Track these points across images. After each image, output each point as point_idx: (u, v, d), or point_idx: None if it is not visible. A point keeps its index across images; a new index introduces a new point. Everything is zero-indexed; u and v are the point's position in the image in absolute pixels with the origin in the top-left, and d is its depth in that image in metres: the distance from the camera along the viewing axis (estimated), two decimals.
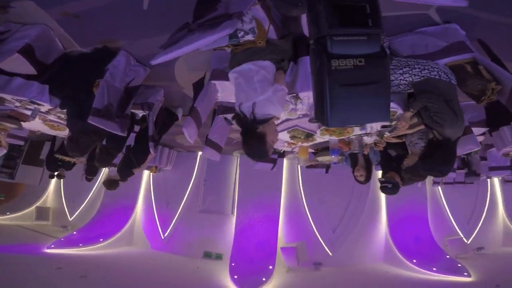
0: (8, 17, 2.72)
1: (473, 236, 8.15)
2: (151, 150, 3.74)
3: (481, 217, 8.41)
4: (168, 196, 7.74)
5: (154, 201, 7.84)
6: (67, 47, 3.10)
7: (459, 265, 6.17)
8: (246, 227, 7.04)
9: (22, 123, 3.56)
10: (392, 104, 2.22)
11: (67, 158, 5.22)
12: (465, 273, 5.68)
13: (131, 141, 3.92)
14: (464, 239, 7.87)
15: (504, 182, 8.72)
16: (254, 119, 1.76)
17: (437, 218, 7.95)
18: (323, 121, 1.46)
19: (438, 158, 2.21)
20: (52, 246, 6.16)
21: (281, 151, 4.40)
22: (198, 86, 2.94)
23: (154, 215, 7.70)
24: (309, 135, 2.87)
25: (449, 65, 2.23)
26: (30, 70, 2.83)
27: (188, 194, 7.68)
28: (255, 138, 1.80)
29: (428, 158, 2.27)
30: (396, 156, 3.35)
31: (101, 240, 6.79)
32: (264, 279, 5.60)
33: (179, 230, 7.45)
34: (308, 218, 7.32)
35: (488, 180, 8.48)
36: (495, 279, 5.28)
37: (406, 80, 2.14)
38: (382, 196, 7.78)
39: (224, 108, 3.06)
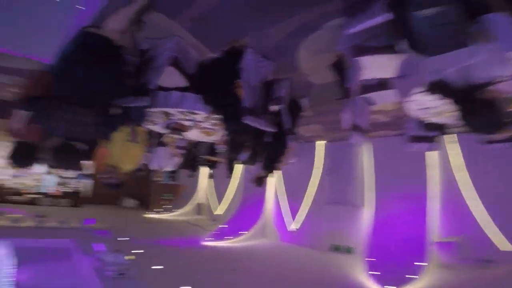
0: (144, 34, 2.92)
1: None
2: (290, 143, 3.77)
3: None
4: (294, 189, 7.86)
5: (282, 194, 8.10)
6: (200, 54, 3.37)
7: None
8: (384, 220, 6.25)
9: (184, 133, 4.19)
10: None
11: (212, 158, 6.02)
12: None
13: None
14: None
15: None
16: (475, 84, 1.52)
17: None
18: None
19: None
20: (207, 239, 7.32)
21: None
22: (338, 67, 2.67)
23: (285, 207, 7.96)
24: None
25: None
26: (182, 82, 3.23)
27: (313, 185, 7.57)
28: (485, 105, 1.53)
29: None
30: None
31: (242, 233, 7.56)
32: (410, 276, 4.87)
33: (306, 222, 7.46)
34: (469, 208, 5.81)
35: None
36: None
37: None
38: None
39: (367, 87, 2.71)
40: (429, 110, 2.57)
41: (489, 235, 5.55)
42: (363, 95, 2.94)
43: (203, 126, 4.12)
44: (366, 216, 6.61)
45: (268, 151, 3.99)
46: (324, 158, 7.49)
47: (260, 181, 4.47)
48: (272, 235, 8.00)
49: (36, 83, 2.33)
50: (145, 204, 11.80)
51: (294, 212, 7.69)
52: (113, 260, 4.06)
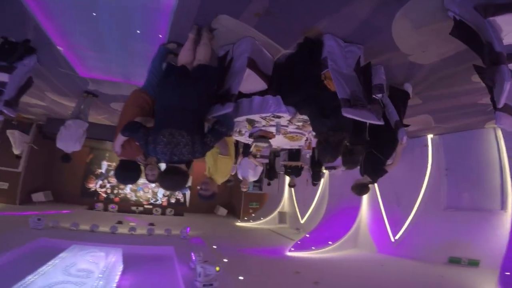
0: (218, 41, 2.94)
1: None
2: (403, 138, 3.10)
3: None
4: (398, 194, 6.67)
5: (382, 201, 7.06)
6: (273, 53, 3.12)
7: None
8: None
9: (270, 140, 3.96)
10: None
11: (293, 163, 5.67)
12: None
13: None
14: None
15: None
16: None
17: None
18: None
19: None
20: (292, 249, 6.86)
21: None
22: (464, 29, 1.98)
23: (383, 216, 6.91)
24: None
25: None
26: (261, 84, 3.00)
27: (425, 189, 6.26)
28: None
29: None
30: None
31: (329, 243, 6.88)
32: None
33: (414, 232, 6.21)
34: None
35: None
36: None
37: None
38: None
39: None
40: None
41: None
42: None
43: (288, 131, 3.83)
44: (504, 222, 5.08)
45: (375, 150, 3.33)
46: (437, 155, 6.19)
47: (363, 189, 3.52)
48: (367, 246, 7.02)
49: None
50: (235, 212, 12.28)
51: (397, 220, 6.55)
52: (202, 270, 4.08)
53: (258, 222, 10.79)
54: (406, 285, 4.88)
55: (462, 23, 1.95)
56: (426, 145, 6.27)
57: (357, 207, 7.40)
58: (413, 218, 6.29)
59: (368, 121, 2.38)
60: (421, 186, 6.24)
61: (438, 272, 5.20)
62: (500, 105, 1.96)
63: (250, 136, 4.00)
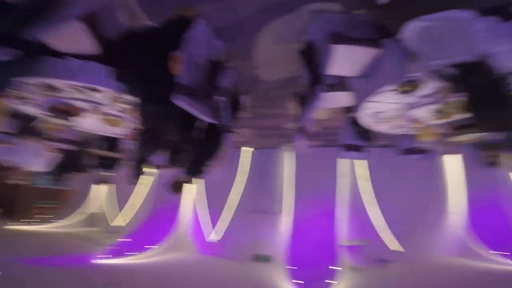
0: None
1: None
2: (228, 142, 3.18)
3: None
4: (215, 197, 7.19)
5: (200, 204, 7.31)
6: (132, 21, 2.48)
7: None
8: (301, 227, 6.36)
9: (75, 120, 2.99)
10: None
11: (108, 154, 4.73)
12: None
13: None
14: None
15: None
16: (492, 72, 1.32)
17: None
18: None
19: None
20: (101, 256, 5.73)
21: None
22: (307, 53, 2.30)
23: (201, 218, 7.19)
24: (463, 108, 2.17)
25: None
26: (90, 47, 2.22)
27: (235, 194, 7.12)
28: (509, 97, 1.31)
29: None
30: None
31: (148, 247, 6.32)
32: (330, 281, 4.97)
33: (226, 233, 6.93)
34: (372, 213, 6.62)
35: None
36: None
37: None
38: (452, 183, 6.93)
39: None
40: (380, 114, 2.49)
41: (383, 238, 6.45)
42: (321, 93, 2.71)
43: (108, 112, 3.08)
44: (284, 223, 6.60)
45: (198, 150, 3.14)
46: (249, 166, 7.21)
47: (178, 187, 3.41)
48: (188, 248, 7.06)
49: None
50: (10, 212, 8.83)
51: (214, 222, 7.03)
52: None
53: (54, 224, 8.36)
54: (226, 283, 5.26)
55: (311, 45, 2.26)
56: (244, 156, 7.22)
57: (176, 208, 7.22)
58: (226, 220, 6.96)
59: (203, 117, 2.25)
60: (234, 192, 7.08)
61: (246, 268, 5.94)
62: (305, 123, 2.40)
63: (44, 107, 2.87)
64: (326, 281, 5.00)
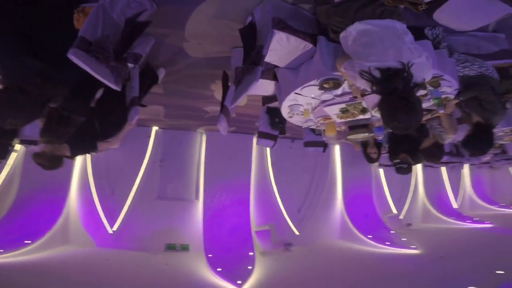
0: None
1: (404, 213, 9.54)
2: (135, 116, 2.83)
3: (408, 196, 9.90)
4: (114, 182, 6.28)
5: (96, 189, 6.28)
6: None
7: (403, 239, 7.04)
8: (216, 213, 6.34)
9: None
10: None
11: None
12: (413, 246, 6.49)
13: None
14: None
15: (424, 166, 10.39)
16: (409, 81, 1.51)
17: (378, 196, 8.94)
18: None
19: (487, 139, 2.56)
20: None
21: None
22: (249, 34, 2.25)
23: (96, 206, 6.22)
24: (364, 110, 2.59)
25: (495, 66, 2.60)
26: None
27: (140, 178, 6.37)
28: (416, 102, 1.52)
29: (475, 138, 2.56)
30: (404, 137, 3.44)
31: (27, 242, 5.11)
32: (250, 267, 5.16)
33: (132, 222, 6.20)
34: (276, 199, 7.18)
35: None
36: (438, 251, 6.16)
37: (463, 73, 2.43)
38: (338, 175, 8.30)
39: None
40: (298, 107, 2.68)
41: (289, 222, 7.19)
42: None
43: None
44: (198, 210, 6.45)
45: (87, 121, 2.58)
46: (157, 148, 6.51)
47: (55, 162, 2.42)
48: (83, 241, 6.02)
49: None
50: None
51: (113, 210, 6.17)
52: None
53: None
54: (134, 277, 4.69)
55: (253, 26, 2.22)
56: (149, 136, 6.47)
57: (63, 197, 6.01)
58: (129, 207, 6.22)
59: (102, 80, 1.87)
60: (137, 175, 6.34)
61: (160, 260, 5.50)
62: (233, 104, 2.42)
63: None
64: (243, 266, 5.18)
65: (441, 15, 2.02)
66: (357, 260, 6.25)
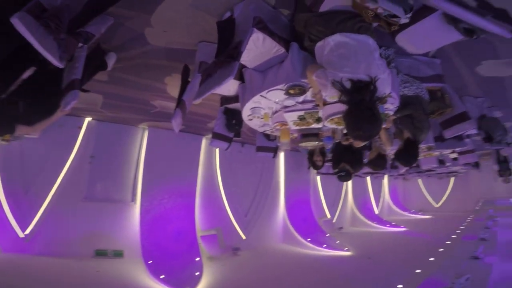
0: None
1: (336, 217, 10.46)
2: (72, 101, 2.40)
3: (340, 202, 10.90)
4: (30, 178, 5.20)
5: (3, 186, 5.20)
6: None
7: (337, 241, 7.67)
8: (157, 217, 5.85)
9: None
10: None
11: None
12: (346, 248, 7.12)
13: None
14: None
15: (353, 175, 11.57)
16: (374, 93, 1.61)
17: (315, 202, 9.61)
18: None
19: (414, 153, 2.85)
20: None
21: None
22: (227, 29, 2.17)
23: (4, 205, 5.14)
24: (319, 120, 2.67)
25: (428, 88, 2.99)
26: None
27: (63, 176, 5.41)
28: (378, 114, 1.60)
29: (406, 152, 2.85)
30: (347, 149, 3.77)
31: None
32: (197, 273, 4.94)
33: (51, 225, 5.24)
34: (224, 203, 7.08)
35: None
36: (365, 253, 6.87)
37: (403, 92, 2.71)
38: (282, 181, 8.64)
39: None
40: (259, 110, 2.65)
41: (237, 227, 7.11)
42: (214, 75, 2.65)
43: None
44: (136, 213, 5.85)
45: (22, 99, 2.24)
46: (86, 141, 5.61)
47: None
48: None
49: None
50: None
51: (26, 211, 5.13)
52: None
53: None
54: (57, 285, 4.08)
55: (232, 21, 2.14)
56: (81, 127, 5.58)
57: None
58: (47, 208, 5.24)
59: (44, 51, 1.59)
60: (60, 172, 5.41)
61: (88, 267, 4.80)
62: (198, 98, 2.28)
63: None
64: (190, 272, 4.95)
65: (402, 37, 2.23)
66: (299, 262, 6.60)
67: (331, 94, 1.75)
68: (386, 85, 1.75)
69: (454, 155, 6.50)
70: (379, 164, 3.54)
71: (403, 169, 8.80)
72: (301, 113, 2.58)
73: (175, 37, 2.79)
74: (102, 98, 4.51)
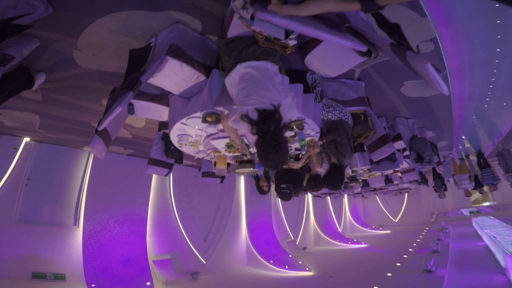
0: None
1: (299, 238, 10.47)
2: None
3: (302, 223, 10.99)
4: None
5: None
6: None
7: (300, 262, 7.64)
8: (103, 241, 5.54)
9: None
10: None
11: None
12: (307, 268, 7.11)
13: None
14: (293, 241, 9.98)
15: (313, 196, 11.86)
16: (280, 122, 1.61)
17: (277, 224, 9.60)
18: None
19: (339, 177, 2.89)
20: None
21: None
22: (139, 57, 2.16)
23: None
24: (248, 146, 2.66)
25: (351, 112, 3.08)
26: None
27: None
28: (283, 142, 1.59)
29: (331, 177, 2.90)
30: (287, 172, 3.89)
31: None
32: None
33: None
34: (180, 227, 6.83)
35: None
36: (327, 271, 6.91)
37: (326, 117, 2.80)
38: (243, 205, 8.57)
39: (140, 92, 2.57)
40: (187, 138, 2.65)
41: (195, 251, 6.84)
42: (132, 100, 2.62)
43: None
44: (79, 237, 5.48)
45: None
46: (23, 162, 5.21)
47: None
48: None
49: None
50: None
51: None
52: None
53: None
54: None
55: (148, 49, 2.15)
56: (17, 148, 5.21)
57: None
58: None
59: None
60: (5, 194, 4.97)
61: None
62: (100, 127, 2.15)
63: None
64: None
65: (311, 60, 2.29)
66: (261, 285, 6.42)
67: (244, 130, 1.71)
68: (290, 111, 1.70)
69: (399, 174, 6.94)
70: (312, 185, 3.51)
71: (357, 188, 9.18)
72: (227, 140, 2.59)
73: (105, 61, 2.78)
74: (39, 118, 4.27)
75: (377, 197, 15.53)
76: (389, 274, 6.00)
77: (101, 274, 5.14)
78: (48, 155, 5.44)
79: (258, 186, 4.09)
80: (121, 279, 5.21)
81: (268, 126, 1.58)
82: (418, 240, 9.94)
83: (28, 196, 5.18)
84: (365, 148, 3.77)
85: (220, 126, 2.31)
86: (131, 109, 2.78)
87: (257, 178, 4.05)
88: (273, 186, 4.21)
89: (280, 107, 1.62)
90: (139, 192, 6.29)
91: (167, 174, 4.11)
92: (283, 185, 3.76)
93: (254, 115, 1.61)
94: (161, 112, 2.75)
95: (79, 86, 3.27)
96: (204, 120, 2.16)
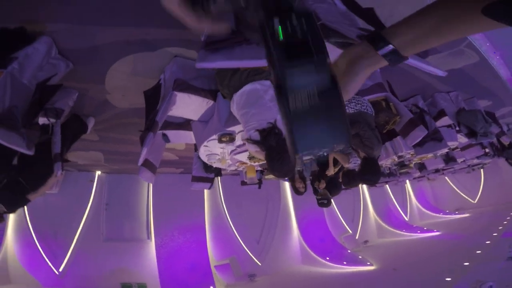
0: None
1: (358, 232, 10.04)
2: (58, 172, 2.86)
3: (360, 216, 10.48)
4: (55, 225, 6.00)
5: (34, 232, 5.86)
6: None
7: (360, 256, 7.39)
8: (171, 252, 6.36)
9: None
10: None
11: None
12: (368, 263, 6.85)
13: None
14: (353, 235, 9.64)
15: (368, 187, 11.15)
16: (280, 136, 1.70)
17: (331, 220, 9.37)
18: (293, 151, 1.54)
19: (373, 171, 2.67)
20: None
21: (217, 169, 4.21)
22: (152, 96, 2.49)
23: (38, 247, 5.82)
24: None
25: (370, 100, 2.84)
26: None
27: (84, 221, 6.19)
28: (286, 154, 1.67)
29: (364, 172, 2.68)
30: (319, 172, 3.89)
31: None
32: None
33: (80, 263, 5.94)
34: (234, 233, 7.31)
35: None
36: (391, 264, 6.55)
37: None
38: (290, 205, 8.64)
39: (167, 123, 2.83)
40: (214, 156, 2.88)
41: (250, 254, 7.25)
42: (164, 131, 2.99)
43: None
44: (153, 249, 6.39)
45: (13, 179, 2.71)
46: (100, 191, 6.43)
47: None
48: (26, 281, 5.59)
49: None
50: None
51: (57, 252, 5.85)
52: None
53: None
54: None
55: (158, 87, 2.46)
56: (92, 180, 6.43)
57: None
58: (74, 249, 5.97)
59: (14, 147, 1.99)
60: (81, 219, 6.20)
61: None
62: (140, 163, 2.41)
63: None
64: None
65: None
66: (318, 282, 6.45)
67: (253, 150, 1.86)
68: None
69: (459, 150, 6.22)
70: (347, 182, 3.37)
71: (417, 173, 8.39)
72: (247, 153, 2.71)
73: (133, 99, 3.21)
74: (102, 155, 5.15)
75: (446, 177, 13.71)
76: (466, 264, 5.42)
77: (173, 281, 5.87)
78: (117, 182, 6.53)
79: (294, 187, 4.16)
80: (189, 285, 5.87)
81: (270, 142, 1.71)
82: (505, 222, 8.60)
83: (109, 218, 6.29)
84: (400, 134, 3.52)
85: (236, 143, 2.50)
86: (166, 139, 3.16)
87: (292, 180, 4.12)
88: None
89: (277, 121, 1.72)
90: (195, 205, 7.02)
91: (210, 187, 4.52)
92: (318, 197, 3.82)
93: (256, 136, 1.76)
94: (190, 137, 3.05)
95: (121, 124, 3.83)
96: (220, 141, 2.36)
